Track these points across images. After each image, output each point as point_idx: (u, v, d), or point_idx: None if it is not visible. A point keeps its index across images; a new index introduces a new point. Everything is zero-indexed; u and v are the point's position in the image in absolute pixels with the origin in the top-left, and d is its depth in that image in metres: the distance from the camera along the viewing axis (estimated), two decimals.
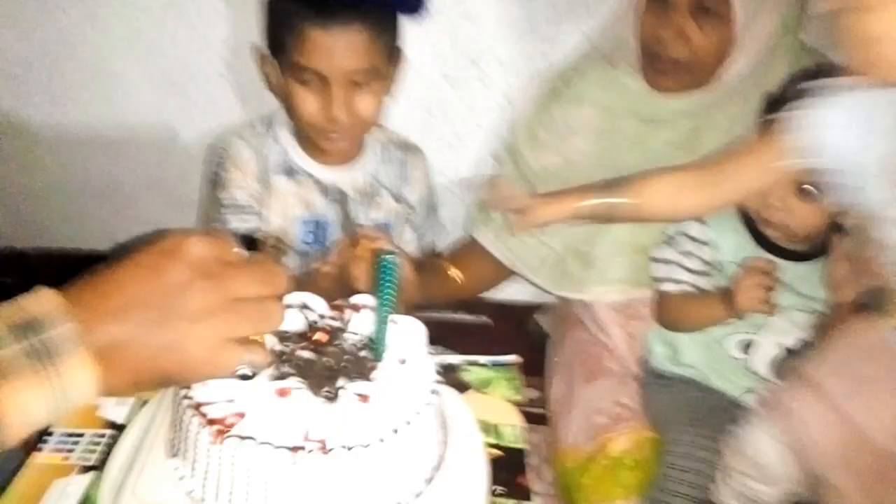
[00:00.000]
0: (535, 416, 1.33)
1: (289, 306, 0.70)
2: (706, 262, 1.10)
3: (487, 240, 1.32)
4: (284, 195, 1.14)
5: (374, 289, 0.63)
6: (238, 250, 0.52)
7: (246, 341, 0.50)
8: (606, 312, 1.26)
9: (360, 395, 0.59)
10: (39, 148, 1.49)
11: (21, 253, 1.62)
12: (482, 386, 0.83)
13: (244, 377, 0.52)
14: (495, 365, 0.87)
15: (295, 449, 0.55)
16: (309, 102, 1.04)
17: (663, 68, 1.14)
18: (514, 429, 0.77)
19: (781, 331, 1.08)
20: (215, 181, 1.12)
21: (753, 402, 1.04)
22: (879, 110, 0.80)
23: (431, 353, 0.70)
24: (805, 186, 0.99)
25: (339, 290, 1.04)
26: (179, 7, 1.33)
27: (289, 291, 0.54)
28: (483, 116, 1.43)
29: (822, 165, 0.87)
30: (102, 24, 1.36)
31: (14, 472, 0.67)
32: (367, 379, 0.62)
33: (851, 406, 0.88)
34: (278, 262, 0.55)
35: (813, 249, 1.09)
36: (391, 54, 1.08)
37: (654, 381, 1.17)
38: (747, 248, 1.09)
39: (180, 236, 0.49)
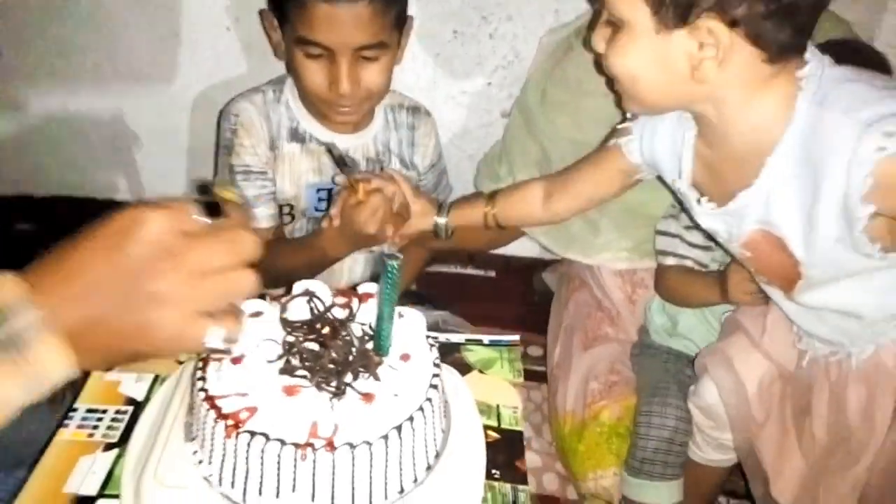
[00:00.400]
0: (539, 374, 1.40)
1: (295, 296, 0.73)
2: (708, 237, 1.12)
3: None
4: (295, 161, 1.14)
5: (379, 289, 0.65)
6: (198, 219, 0.50)
7: (215, 314, 0.49)
8: (611, 278, 1.28)
9: (364, 393, 0.62)
10: (48, 97, 1.49)
11: (39, 200, 1.65)
12: (485, 367, 0.85)
13: (216, 350, 0.51)
14: (496, 344, 0.89)
15: (303, 446, 0.58)
16: (316, 75, 1.02)
17: None
18: (513, 411, 0.80)
19: None
20: (228, 147, 1.12)
21: (702, 354, 1.07)
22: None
23: (433, 338, 0.74)
24: None
25: (348, 241, 1.07)
26: None
27: (257, 256, 0.51)
28: (492, 73, 1.41)
29: (651, 173, 0.92)
30: None
31: (42, 447, 0.71)
32: (373, 375, 0.65)
33: (764, 342, 0.97)
34: (245, 226, 0.51)
35: None
36: (399, 24, 1.06)
37: (646, 351, 1.21)
38: None
39: (137, 211, 0.47)
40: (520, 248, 1.66)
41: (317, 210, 1.18)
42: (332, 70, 1.00)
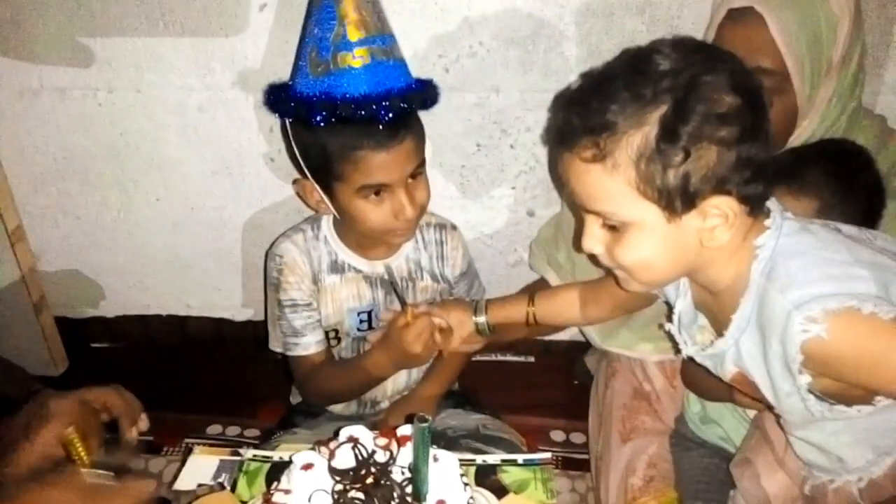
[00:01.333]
0: (582, 462, 1.45)
1: (341, 443, 0.81)
2: None
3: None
4: (336, 290, 1.23)
5: (413, 448, 0.73)
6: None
7: None
8: (652, 365, 1.32)
9: None
10: (115, 230, 1.64)
11: (111, 319, 1.80)
12: (519, 489, 0.91)
13: None
14: (530, 464, 0.95)
15: None
16: (379, 213, 1.11)
17: None
18: None
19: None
20: (275, 284, 1.22)
21: (735, 462, 1.09)
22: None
23: (471, 461, 0.80)
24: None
25: (395, 361, 1.16)
26: (229, 104, 1.44)
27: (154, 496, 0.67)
28: (515, 178, 1.50)
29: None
30: (160, 121, 1.48)
31: None
32: None
33: (787, 460, 0.98)
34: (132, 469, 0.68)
35: None
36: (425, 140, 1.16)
37: (682, 443, 1.24)
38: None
39: None
40: (559, 333, 1.73)
41: (359, 330, 1.27)
42: (394, 202, 1.10)
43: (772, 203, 0.78)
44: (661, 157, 0.70)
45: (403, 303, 1.13)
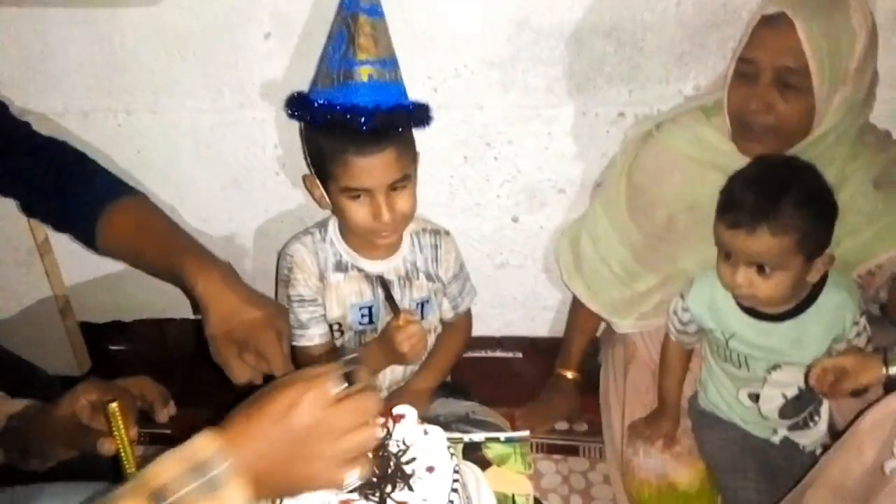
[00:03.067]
0: (564, 448, 1.60)
1: None
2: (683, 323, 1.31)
3: (579, 291, 1.55)
4: (340, 287, 1.38)
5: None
6: (337, 389, 0.70)
7: (354, 460, 0.70)
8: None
9: (400, 502, 0.83)
10: None
11: (127, 323, 1.93)
12: (501, 461, 1.05)
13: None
14: (511, 440, 1.09)
15: None
16: (360, 212, 1.26)
17: (753, 136, 1.26)
18: (526, 499, 0.99)
19: (781, 384, 1.25)
20: (286, 281, 1.37)
21: None
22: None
23: (459, 439, 0.94)
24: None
25: (387, 356, 1.30)
26: (237, 124, 1.58)
27: (379, 413, 0.74)
28: (500, 187, 1.64)
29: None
30: (173, 139, 1.61)
31: None
32: (408, 485, 0.86)
33: None
34: (371, 388, 0.74)
35: (791, 310, 1.21)
36: (414, 160, 1.31)
37: (702, 419, 1.37)
38: (731, 316, 1.25)
39: (296, 392, 0.68)
40: (544, 330, 1.86)
41: (360, 324, 1.41)
42: (373, 206, 1.24)
43: None
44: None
45: (396, 308, 1.26)
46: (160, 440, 1.67)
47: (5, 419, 0.97)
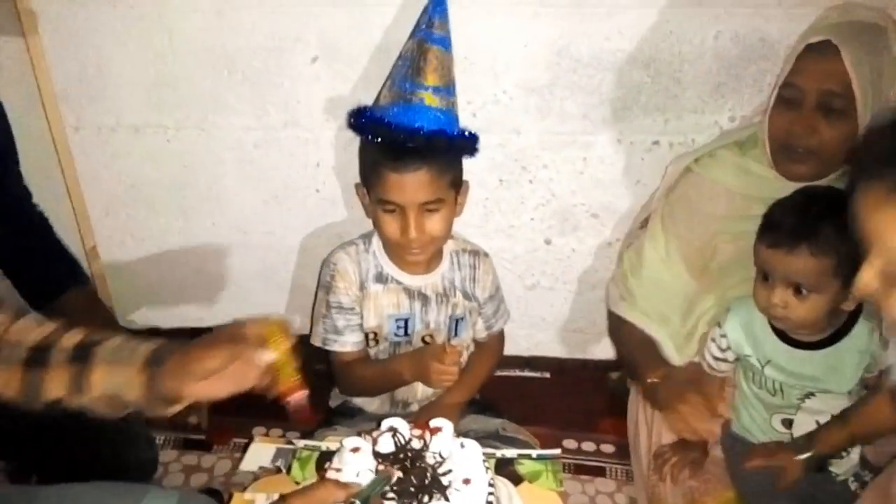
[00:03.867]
0: (589, 468, 1.60)
1: (383, 432, 0.98)
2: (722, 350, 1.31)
3: (622, 310, 1.50)
4: (379, 298, 1.41)
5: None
6: None
7: None
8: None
9: None
10: (175, 251, 1.84)
11: (165, 331, 1.96)
12: (532, 478, 1.06)
13: None
14: (542, 458, 1.11)
15: None
16: (391, 226, 1.31)
17: (798, 158, 1.26)
18: None
19: (815, 411, 1.24)
20: (327, 287, 1.41)
21: None
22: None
23: (492, 454, 0.96)
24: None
25: (417, 375, 1.35)
26: (281, 142, 1.63)
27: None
28: (534, 210, 1.67)
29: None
30: (220, 156, 1.67)
31: None
32: (444, 496, 0.88)
33: None
34: None
35: (828, 338, 1.20)
36: (454, 185, 1.34)
37: (735, 447, 1.34)
38: (767, 342, 1.25)
39: None
40: (572, 351, 1.88)
41: (395, 336, 1.44)
42: (403, 221, 1.29)
43: None
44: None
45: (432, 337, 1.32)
46: (194, 446, 1.72)
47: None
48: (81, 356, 0.93)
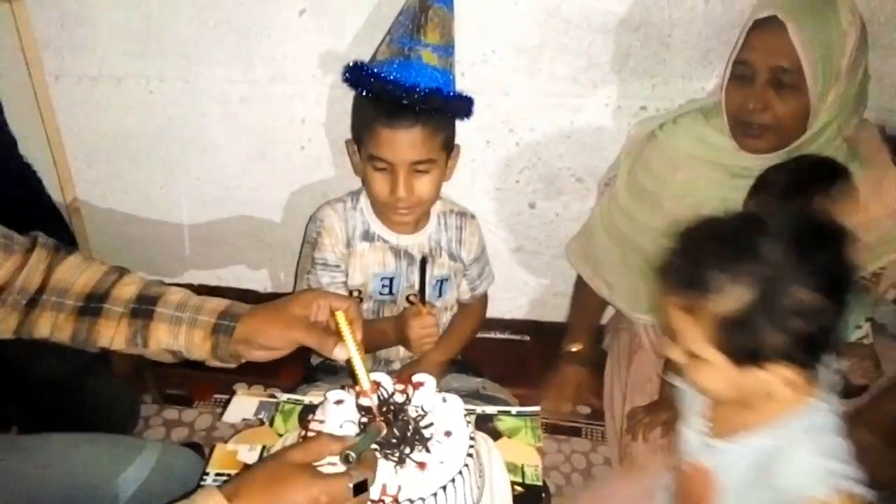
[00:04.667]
0: (565, 429, 1.63)
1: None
2: None
3: (586, 275, 1.58)
4: (365, 256, 1.41)
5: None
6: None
7: None
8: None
9: (419, 462, 0.87)
10: (157, 205, 1.82)
11: None
12: (511, 433, 1.08)
13: None
14: (521, 414, 1.13)
15: (377, 502, 0.84)
16: (380, 184, 1.31)
17: (753, 133, 1.28)
18: (535, 469, 1.02)
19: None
20: (313, 243, 1.40)
21: None
22: None
23: (472, 411, 0.97)
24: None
25: (398, 334, 1.34)
26: (268, 97, 1.61)
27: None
28: (519, 173, 1.67)
29: None
30: (204, 109, 1.65)
31: None
32: (426, 447, 0.90)
33: None
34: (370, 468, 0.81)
35: None
36: (446, 148, 1.34)
37: None
38: None
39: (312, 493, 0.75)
40: (553, 315, 1.90)
41: (380, 294, 1.44)
42: (393, 180, 1.29)
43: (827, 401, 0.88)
44: (737, 330, 0.81)
45: (423, 294, 1.31)
46: (174, 401, 1.73)
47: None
48: (142, 312, 0.95)
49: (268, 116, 1.64)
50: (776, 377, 0.83)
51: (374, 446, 0.89)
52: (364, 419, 0.95)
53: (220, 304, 0.98)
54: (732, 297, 0.80)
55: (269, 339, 0.94)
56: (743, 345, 0.82)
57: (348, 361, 0.92)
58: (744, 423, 0.91)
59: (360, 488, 0.79)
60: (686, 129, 1.41)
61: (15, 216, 1.28)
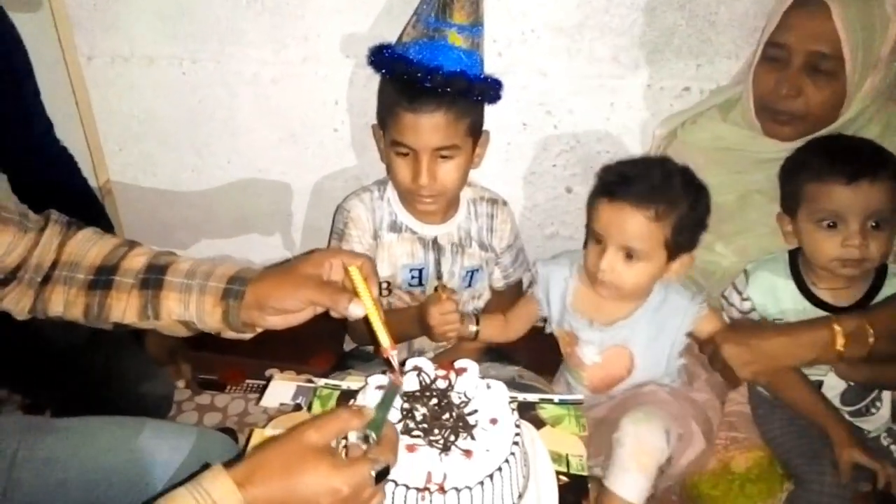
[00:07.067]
0: None
1: (408, 371, 0.96)
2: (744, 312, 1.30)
3: None
4: (393, 247, 1.38)
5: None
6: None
7: None
8: None
9: (465, 450, 0.84)
10: (188, 188, 1.80)
11: None
12: (555, 422, 1.05)
13: None
14: (564, 403, 1.10)
15: (422, 490, 0.81)
16: (403, 170, 1.27)
17: (783, 119, 1.23)
18: (579, 459, 0.99)
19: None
20: (340, 235, 1.38)
21: None
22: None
23: (514, 398, 0.95)
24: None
25: (420, 324, 1.30)
26: (300, 78, 1.58)
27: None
28: (557, 156, 1.63)
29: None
30: (235, 91, 1.63)
31: None
32: (470, 435, 0.87)
33: None
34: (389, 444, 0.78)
35: (857, 302, 1.19)
36: (473, 134, 1.29)
37: (763, 405, 1.32)
38: (798, 305, 1.22)
39: (335, 484, 0.70)
40: None
41: (409, 285, 1.42)
42: (415, 166, 1.25)
43: None
44: (684, 230, 1.16)
45: (441, 284, 1.30)
46: (207, 386, 1.72)
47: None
48: (152, 282, 0.92)
49: (299, 98, 1.62)
50: (680, 265, 1.20)
51: (416, 432, 0.87)
52: (406, 405, 0.92)
53: (229, 268, 0.94)
54: (682, 208, 1.15)
55: (281, 301, 0.89)
56: (682, 242, 1.17)
57: (365, 319, 0.88)
58: (619, 311, 1.25)
59: (382, 475, 0.75)
60: (703, 130, 1.37)
61: (51, 199, 1.27)
